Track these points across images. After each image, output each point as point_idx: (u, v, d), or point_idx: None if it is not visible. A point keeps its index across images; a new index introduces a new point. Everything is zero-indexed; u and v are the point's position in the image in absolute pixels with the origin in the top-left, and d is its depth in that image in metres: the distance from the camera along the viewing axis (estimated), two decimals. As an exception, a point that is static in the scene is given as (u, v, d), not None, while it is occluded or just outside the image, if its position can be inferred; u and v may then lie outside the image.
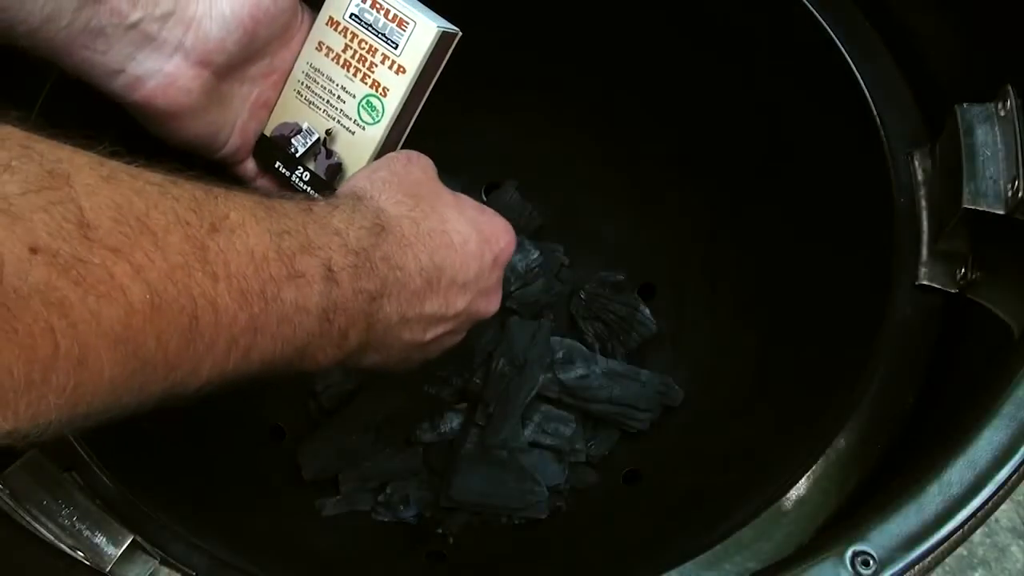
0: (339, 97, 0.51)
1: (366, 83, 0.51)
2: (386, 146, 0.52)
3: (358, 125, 0.51)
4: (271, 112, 0.53)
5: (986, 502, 0.37)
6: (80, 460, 0.46)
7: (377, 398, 0.67)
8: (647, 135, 0.74)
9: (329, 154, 0.52)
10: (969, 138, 0.48)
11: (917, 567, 0.36)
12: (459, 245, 0.43)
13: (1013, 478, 0.37)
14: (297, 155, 0.52)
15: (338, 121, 0.52)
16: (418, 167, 0.46)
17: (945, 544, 0.37)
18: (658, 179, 0.75)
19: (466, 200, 0.47)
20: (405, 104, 0.51)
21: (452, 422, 0.69)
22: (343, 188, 0.44)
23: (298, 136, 0.52)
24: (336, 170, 0.52)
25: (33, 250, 0.23)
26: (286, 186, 0.54)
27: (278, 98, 0.52)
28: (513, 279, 0.72)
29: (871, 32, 0.57)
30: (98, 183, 0.26)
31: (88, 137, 0.28)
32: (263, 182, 0.55)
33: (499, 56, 0.71)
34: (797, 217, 0.65)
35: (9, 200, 0.23)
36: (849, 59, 0.57)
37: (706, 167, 0.71)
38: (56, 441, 0.46)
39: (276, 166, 0.53)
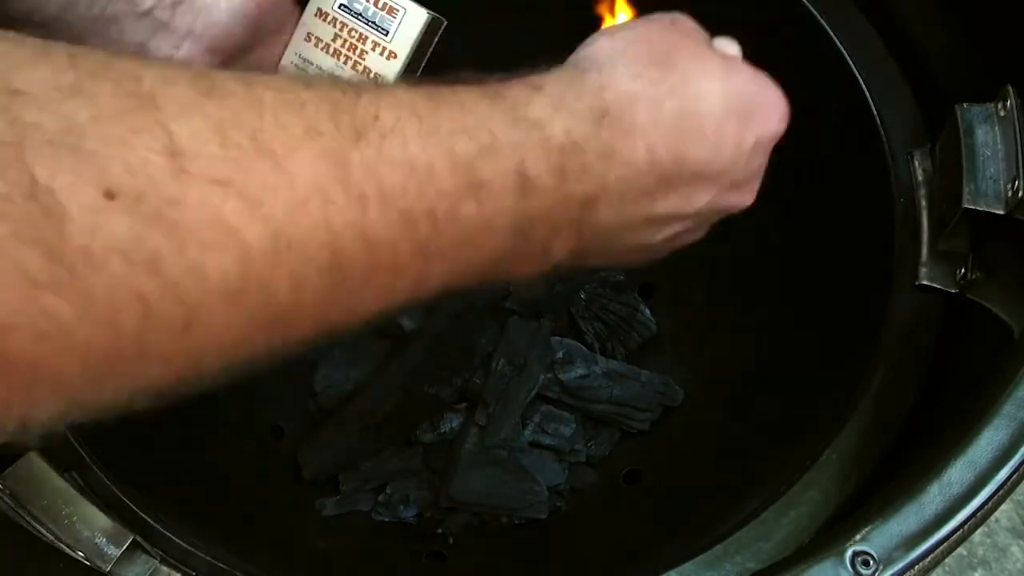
0: None
1: (357, 70, 0.52)
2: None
3: None
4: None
5: (986, 502, 0.37)
6: (80, 460, 0.46)
7: (377, 398, 0.67)
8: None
9: None
10: (969, 138, 0.48)
11: (917, 567, 0.36)
12: (712, 131, 0.32)
13: (1013, 478, 0.37)
14: None
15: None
16: (679, 31, 0.35)
17: (945, 544, 0.37)
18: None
19: (738, 68, 0.35)
20: None
21: (452, 422, 0.69)
22: (570, 59, 0.33)
23: None
24: None
25: (109, 195, 0.18)
26: None
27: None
28: (513, 279, 0.72)
29: (871, 32, 0.57)
30: (195, 99, 0.20)
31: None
32: None
33: (499, 56, 0.71)
34: (797, 217, 0.65)
35: (77, 132, 0.18)
36: (849, 59, 0.57)
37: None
38: (56, 441, 0.46)
39: None
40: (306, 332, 0.23)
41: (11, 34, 0.20)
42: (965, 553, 0.89)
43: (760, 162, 0.37)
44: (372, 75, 0.52)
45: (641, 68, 0.31)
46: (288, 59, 0.53)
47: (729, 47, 0.38)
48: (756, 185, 0.37)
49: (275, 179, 0.21)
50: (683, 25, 0.36)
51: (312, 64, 0.53)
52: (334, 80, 0.25)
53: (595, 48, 0.33)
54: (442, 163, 0.24)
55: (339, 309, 0.24)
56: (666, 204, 0.32)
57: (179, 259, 0.19)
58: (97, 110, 0.19)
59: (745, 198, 0.36)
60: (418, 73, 0.53)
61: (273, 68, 0.52)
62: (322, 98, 0.23)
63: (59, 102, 0.18)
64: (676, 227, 0.35)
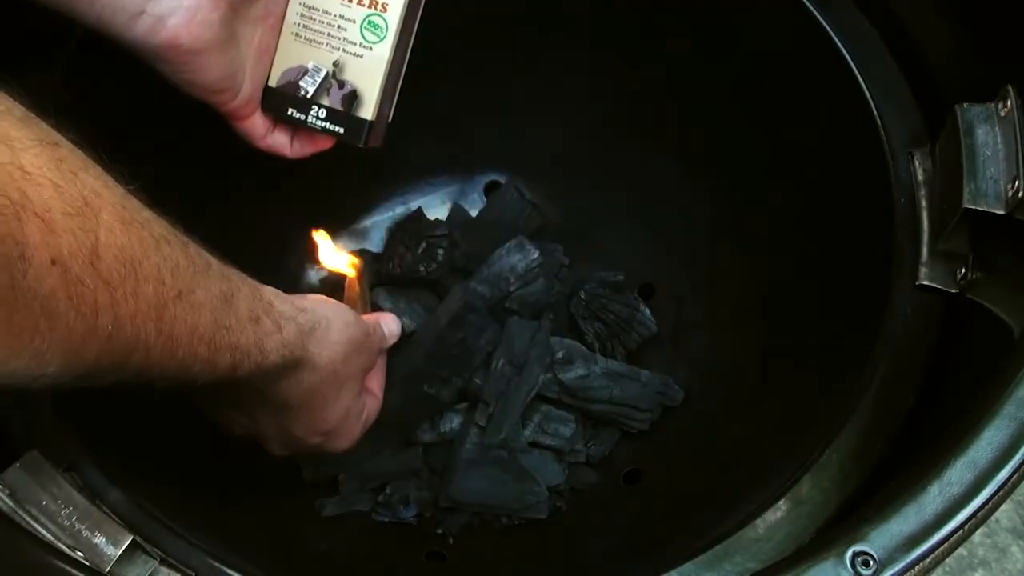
0: (339, 27, 0.53)
1: (363, 5, 0.53)
2: (395, 61, 0.54)
3: (364, 47, 0.53)
4: (271, 61, 0.54)
5: (986, 502, 0.37)
6: (80, 460, 0.46)
7: (377, 398, 0.67)
8: (647, 135, 0.74)
9: (341, 84, 0.54)
10: (969, 138, 0.48)
11: (917, 567, 0.36)
12: (319, 421, 0.49)
13: (1013, 478, 0.37)
14: (308, 96, 0.54)
15: (343, 50, 0.53)
16: (369, 356, 0.52)
17: (945, 544, 0.37)
18: (658, 179, 0.75)
19: (360, 403, 0.53)
20: (405, 17, 0.53)
21: (452, 422, 0.69)
22: (322, 307, 0.47)
23: (305, 77, 0.54)
24: (352, 98, 0.54)
25: (54, 262, 0.26)
26: (303, 130, 0.55)
27: (276, 47, 0.54)
28: (513, 279, 0.72)
29: (871, 32, 0.57)
30: (115, 223, 0.30)
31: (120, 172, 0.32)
32: (276, 136, 0.56)
33: (499, 56, 0.71)
34: (797, 217, 0.65)
35: (52, 215, 0.26)
36: (849, 59, 0.57)
37: (706, 167, 0.71)
38: (56, 441, 0.46)
39: (289, 113, 0.54)
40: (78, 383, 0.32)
41: (18, 110, 0.28)
42: (965, 553, 0.89)
43: (302, 449, 0.52)
44: (380, 5, 0.52)
45: (336, 359, 0.46)
46: (293, 12, 0.53)
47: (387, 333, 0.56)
48: (282, 452, 0.52)
49: (130, 295, 0.30)
50: (371, 353, 0.52)
51: (317, 10, 0.53)
52: (185, 244, 0.35)
53: (335, 325, 0.46)
54: (206, 340, 0.36)
55: (109, 377, 0.33)
56: (254, 415, 0.48)
57: (65, 317, 0.28)
58: (64, 205, 0.27)
59: (272, 448, 0.52)
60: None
61: (279, 16, 0.54)
62: (173, 259, 0.33)
63: (46, 188, 0.27)
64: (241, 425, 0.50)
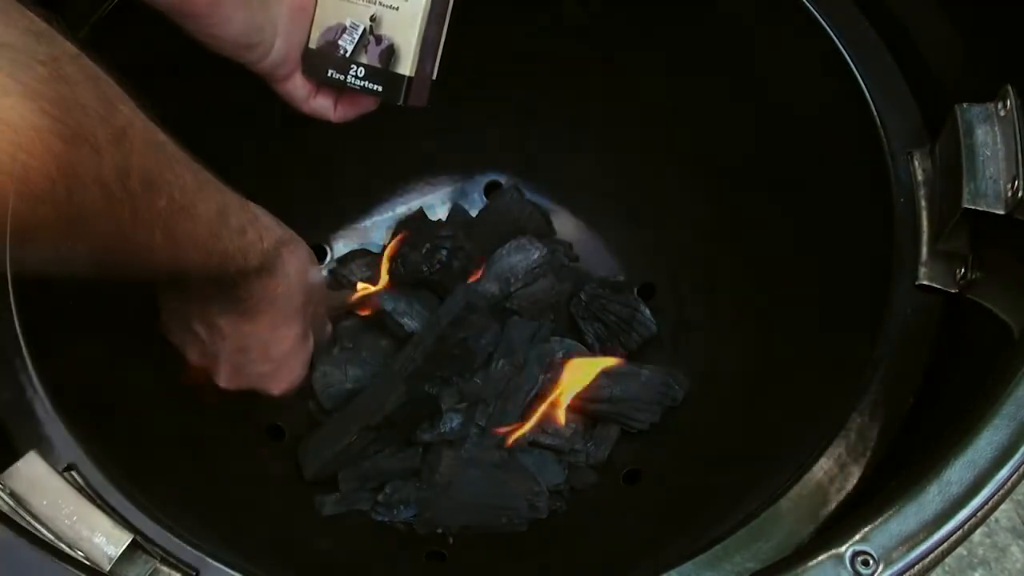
0: None
1: None
2: (433, 13, 0.52)
3: None
4: (311, 21, 0.53)
5: (986, 502, 0.37)
6: (80, 460, 0.46)
7: (377, 398, 0.67)
8: (647, 135, 0.74)
9: (379, 40, 0.52)
10: (969, 138, 0.48)
11: (917, 567, 0.36)
12: (274, 340, 0.52)
13: (1013, 478, 0.37)
14: (348, 55, 0.52)
15: (379, 3, 0.52)
16: (315, 307, 0.56)
17: (945, 544, 0.37)
18: (658, 179, 0.75)
19: (305, 349, 0.56)
20: None
21: (452, 422, 0.69)
22: (292, 238, 0.51)
23: (344, 35, 0.52)
24: (389, 53, 0.52)
25: (95, 181, 0.32)
26: (346, 92, 0.54)
27: (315, 7, 0.53)
28: (514, 279, 0.72)
29: (871, 32, 0.57)
30: (143, 148, 0.35)
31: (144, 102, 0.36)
32: (319, 100, 0.55)
33: (500, 56, 0.71)
34: (796, 217, 0.65)
35: (99, 142, 0.32)
36: (849, 59, 0.57)
37: (706, 167, 0.71)
38: (56, 441, 0.46)
39: (329, 74, 0.53)
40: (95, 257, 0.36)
41: (72, 49, 0.31)
42: (965, 553, 0.89)
43: (241, 375, 0.54)
44: None
45: (297, 278, 0.51)
46: None
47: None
48: (227, 380, 0.54)
49: (148, 205, 0.36)
50: (316, 306, 0.56)
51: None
52: (191, 162, 0.40)
53: (300, 255, 0.52)
54: (201, 246, 0.41)
55: (121, 271, 0.38)
56: (219, 318, 0.51)
57: (96, 219, 0.33)
58: (108, 134, 0.32)
59: (220, 376, 0.54)
60: None
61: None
62: (182, 180, 0.38)
63: (96, 120, 0.31)
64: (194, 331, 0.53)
